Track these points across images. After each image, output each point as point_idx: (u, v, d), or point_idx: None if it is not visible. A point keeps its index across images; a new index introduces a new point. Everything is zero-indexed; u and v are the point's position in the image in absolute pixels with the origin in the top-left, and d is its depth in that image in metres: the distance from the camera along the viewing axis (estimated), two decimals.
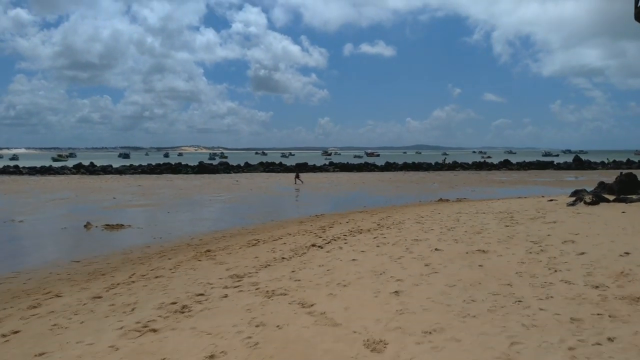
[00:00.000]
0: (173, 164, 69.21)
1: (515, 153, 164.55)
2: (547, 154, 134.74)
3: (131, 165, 65.13)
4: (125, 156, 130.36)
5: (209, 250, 10.86)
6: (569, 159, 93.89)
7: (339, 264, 7.87)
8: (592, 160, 76.92)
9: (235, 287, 6.79)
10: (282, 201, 27.35)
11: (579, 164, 70.34)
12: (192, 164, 67.07)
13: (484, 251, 7.75)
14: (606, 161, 74.84)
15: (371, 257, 8.22)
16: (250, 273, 7.67)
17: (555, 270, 6.10)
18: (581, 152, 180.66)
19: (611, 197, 13.03)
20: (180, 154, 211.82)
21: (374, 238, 10.30)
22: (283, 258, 8.78)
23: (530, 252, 7.31)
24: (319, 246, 9.81)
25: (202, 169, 63.10)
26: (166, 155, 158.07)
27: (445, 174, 55.18)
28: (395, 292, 5.77)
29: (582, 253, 6.88)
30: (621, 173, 15.05)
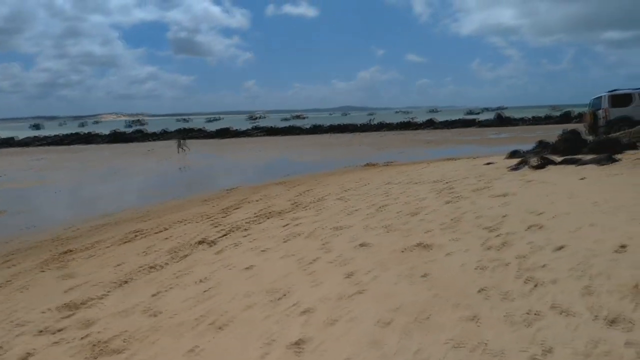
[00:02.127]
0: (84, 133, 63.79)
1: (438, 112, 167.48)
2: (469, 112, 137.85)
3: (36, 137, 59.17)
4: (37, 127, 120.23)
5: (69, 251, 8.18)
6: (490, 116, 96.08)
7: (226, 276, 5.54)
8: (513, 116, 78.51)
9: (54, 332, 4.32)
10: (194, 173, 24.51)
11: (501, 121, 71.37)
12: (106, 133, 62.17)
13: (426, 246, 5.67)
14: (526, 117, 76.70)
15: (274, 260, 5.94)
16: (93, 299, 5.18)
17: (536, 285, 4.08)
18: (500, 108, 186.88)
19: (557, 158, 11.50)
20: (96, 122, 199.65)
21: (284, 226, 8.01)
22: (152, 268, 6.32)
23: (489, 248, 5.30)
24: (209, 242, 7.41)
25: (115, 137, 58.51)
26: (83, 125, 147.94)
27: (372, 135, 53.88)
28: (296, 343, 3.53)
29: (561, 247, 4.94)
30: (564, 130, 13.63)
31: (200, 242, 7.46)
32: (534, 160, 11.26)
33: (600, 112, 17.63)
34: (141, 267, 6.44)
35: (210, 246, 7.24)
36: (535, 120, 72.53)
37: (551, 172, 10.14)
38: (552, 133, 45.45)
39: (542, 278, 4.19)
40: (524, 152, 15.38)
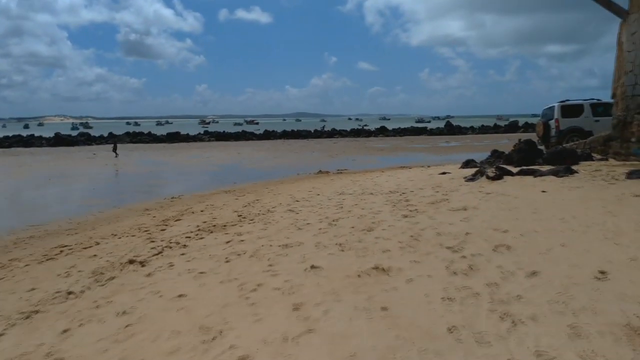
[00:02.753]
0: (25, 136, 60.44)
1: (389, 119, 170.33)
2: (419, 120, 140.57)
3: None
4: None
5: None
6: (440, 124, 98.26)
7: (153, 306, 4.72)
8: (462, 125, 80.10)
9: None
10: (138, 179, 23.19)
11: (450, 129, 72.92)
12: (48, 136, 59.18)
13: (384, 269, 5.04)
14: (475, 126, 78.57)
15: (211, 286, 5.16)
16: None
17: (514, 322, 3.50)
18: (448, 117, 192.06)
19: (514, 169, 11.20)
20: (40, 124, 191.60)
21: (227, 242, 7.22)
22: (70, 294, 5.41)
23: (455, 273, 4.71)
24: (141, 262, 6.54)
25: (58, 141, 55.64)
26: (26, 127, 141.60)
27: (325, 142, 53.59)
28: None
29: (534, 273, 4.41)
30: (519, 140, 13.41)
31: (130, 262, 6.57)
32: (490, 171, 10.90)
33: (552, 123, 17.69)
34: (57, 292, 5.52)
35: (142, 266, 6.37)
36: (484, 130, 74.54)
37: (509, 184, 9.78)
38: (500, 142, 46.73)
39: (520, 313, 3.61)
40: (478, 162, 15.14)
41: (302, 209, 9.68)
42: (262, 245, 6.73)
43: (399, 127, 77.41)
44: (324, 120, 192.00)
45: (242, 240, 7.24)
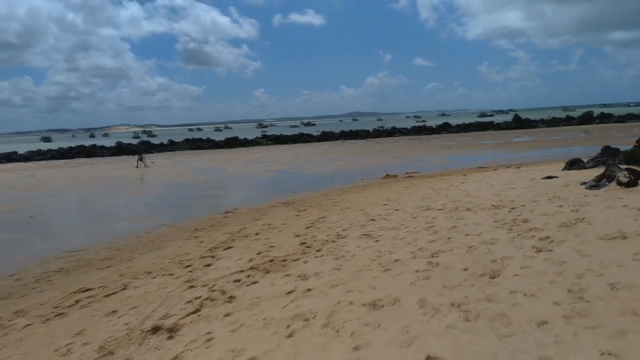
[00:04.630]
0: (88, 146, 61.63)
1: (449, 115, 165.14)
2: (482, 115, 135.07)
3: (39, 150, 56.97)
4: (47, 139, 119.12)
5: None
6: (504, 118, 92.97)
7: None
8: (530, 118, 75.10)
9: None
10: (192, 190, 21.78)
11: (519, 122, 68.36)
12: (111, 145, 60.10)
13: None
14: (545, 119, 73.34)
15: None
16: None
17: None
18: (511, 110, 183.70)
19: None
20: (106, 134, 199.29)
21: (289, 294, 5.17)
22: None
23: None
24: (168, 329, 4.61)
25: (119, 150, 56.25)
26: (92, 136, 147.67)
27: (385, 141, 51.11)
28: None
29: None
30: None
31: (154, 329, 4.66)
32: (622, 175, 8.35)
33: None
34: None
35: (169, 338, 4.44)
36: (555, 122, 69.42)
37: None
38: (578, 136, 42.64)
39: None
40: (585, 161, 12.47)
41: (382, 232, 7.51)
42: (339, 303, 4.63)
43: (463, 123, 73.58)
44: (380, 119, 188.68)
45: (308, 290, 5.18)
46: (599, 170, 10.49)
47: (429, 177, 17.30)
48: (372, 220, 8.74)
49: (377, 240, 7.01)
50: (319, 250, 6.93)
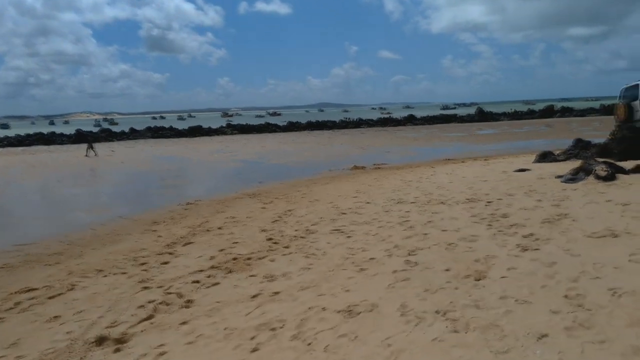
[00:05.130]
0: (47, 133, 59.07)
1: (413, 108, 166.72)
2: (445, 107, 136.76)
3: None
4: (4, 126, 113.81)
5: None
6: (467, 111, 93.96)
7: None
8: (492, 111, 75.99)
9: None
10: (154, 179, 20.90)
11: (483, 115, 69.16)
12: (71, 133, 57.73)
13: None
14: (507, 112, 74.37)
15: None
16: None
17: None
18: (474, 103, 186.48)
19: (624, 165, 8.43)
20: (66, 122, 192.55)
21: (254, 297, 4.64)
22: None
23: None
24: (115, 340, 4.02)
25: (79, 138, 54.11)
26: (51, 124, 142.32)
27: (352, 132, 50.82)
28: None
29: None
30: (618, 127, 10.56)
31: (99, 340, 4.07)
32: (600, 169, 8.13)
33: (638, 104, 14.67)
34: None
35: (115, 350, 3.87)
36: (518, 116, 70.54)
37: (631, 189, 7.05)
38: (540, 129, 43.34)
39: None
40: (556, 154, 12.34)
41: (354, 227, 7.06)
42: (310, 309, 4.15)
43: (427, 115, 73.98)
44: (346, 110, 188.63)
45: (276, 293, 4.67)
46: (572, 164, 10.34)
47: (397, 169, 16.98)
48: (343, 214, 8.29)
49: (349, 236, 6.56)
50: (287, 247, 6.42)
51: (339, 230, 7.03)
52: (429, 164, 17.36)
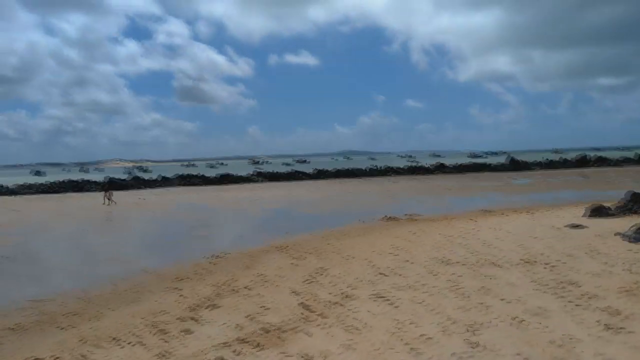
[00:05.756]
0: (78, 180, 60.19)
1: (441, 156, 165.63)
2: (473, 156, 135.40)
3: (27, 184, 55.25)
4: (39, 173, 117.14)
5: None
6: (496, 159, 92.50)
7: None
8: (525, 160, 74.43)
9: None
10: (181, 229, 20.48)
11: (515, 165, 67.82)
12: (100, 180, 58.69)
13: None
14: (541, 161, 72.88)
15: None
16: None
17: None
18: (503, 152, 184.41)
19: None
20: (98, 169, 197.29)
21: None
22: None
23: None
24: None
25: (110, 185, 54.93)
26: (85, 171, 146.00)
27: (381, 181, 50.11)
28: None
29: None
30: None
31: None
32: None
33: None
34: None
35: None
36: (552, 165, 69.06)
37: None
38: (576, 179, 41.90)
39: None
40: (613, 208, 11.41)
41: (398, 293, 6.29)
42: None
43: (458, 163, 72.93)
44: (373, 158, 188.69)
45: None
46: (630, 219, 9.43)
47: (433, 221, 16.14)
48: (382, 274, 7.52)
49: (393, 305, 5.79)
50: (323, 316, 5.68)
51: (381, 295, 6.27)
52: (468, 216, 16.47)
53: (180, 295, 8.05)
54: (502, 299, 5.42)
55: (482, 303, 5.36)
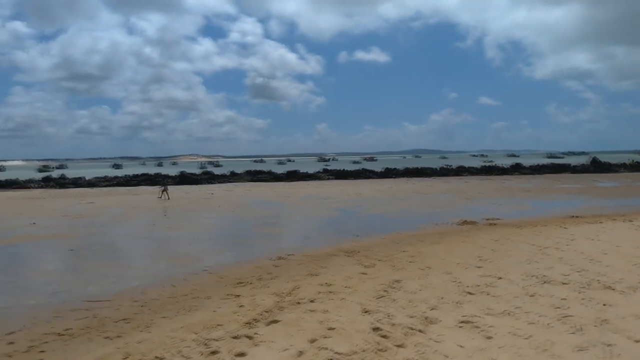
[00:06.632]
0: (152, 174, 62.43)
1: (518, 156, 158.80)
2: (551, 156, 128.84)
3: (105, 177, 57.96)
4: (118, 166, 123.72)
5: None
6: (575, 160, 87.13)
7: None
8: (609, 161, 69.26)
9: None
10: (246, 226, 20.06)
11: (598, 166, 63.34)
12: (174, 174, 60.62)
13: None
14: (628, 162, 67.58)
15: None
16: None
17: None
18: (583, 153, 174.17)
19: None
20: (174, 163, 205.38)
21: None
22: None
23: None
24: None
25: (183, 179, 56.59)
26: (159, 165, 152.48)
27: (453, 181, 48.02)
28: None
29: None
30: None
31: None
32: None
33: None
34: None
35: None
36: (638, 167, 63.97)
37: None
38: None
39: None
40: None
41: (492, 321, 5.19)
42: None
43: (535, 164, 69.06)
44: (444, 157, 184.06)
45: None
46: None
47: (517, 227, 14.65)
48: (469, 293, 6.42)
49: (487, 336, 4.71)
50: (401, 347, 4.70)
51: (470, 322, 5.19)
52: (556, 223, 14.84)
53: (239, 305, 7.31)
54: (629, 337, 4.22)
55: (608, 345, 4.18)
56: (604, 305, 5.28)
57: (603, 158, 75.77)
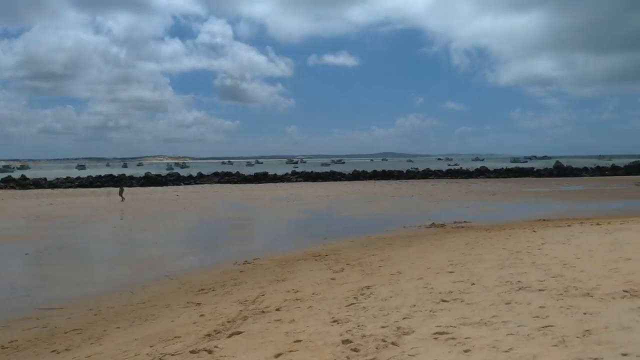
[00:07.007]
0: (117, 175, 60.83)
1: (483, 160, 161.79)
2: (515, 160, 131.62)
3: (68, 178, 56.06)
4: (82, 167, 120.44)
5: None
6: (538, 164, 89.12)
7: None
8: (572, 166, 70.88)
9: None
10: (212, 229, 19.50)
11: (561, 170, 64.85)
12: (139, 176, 59.21)
13: None
14: (590, 167, 69.34)
15: None
16: None
17: None
18: (545, 157, 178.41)
19: None
20: (140, 164, 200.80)
21: None
22: None
23: None
24: None
25: (148, 180, 55.47)
26: (124, 166, 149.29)
27: (421, 184, 48.30)
28: None
29: None
30: None
31: None
32: None
33: None
34: None
35: None
36: (600, 171, 65.78)
37: None
38: (633, 187, 39.04)
39: None
40: None
41: (469, 331, 4.87)
42: None
43: (501, 168, 70.19)
44: (411, 160, 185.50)
45: None
46: None
47: (486, 230, 14.53)
48: (443, 300, 6.10)
49: (465, 350, 4.38)
50: None
51: (446, 333, 4.86)
52: (526, 226, 14.81)
53: (200, 315, 6.83)
54: (614, 349, 3.96)
55: (590, 357, 3.91)
56: (585, 314, 5.03)
57: (565, 162, 77.56)
